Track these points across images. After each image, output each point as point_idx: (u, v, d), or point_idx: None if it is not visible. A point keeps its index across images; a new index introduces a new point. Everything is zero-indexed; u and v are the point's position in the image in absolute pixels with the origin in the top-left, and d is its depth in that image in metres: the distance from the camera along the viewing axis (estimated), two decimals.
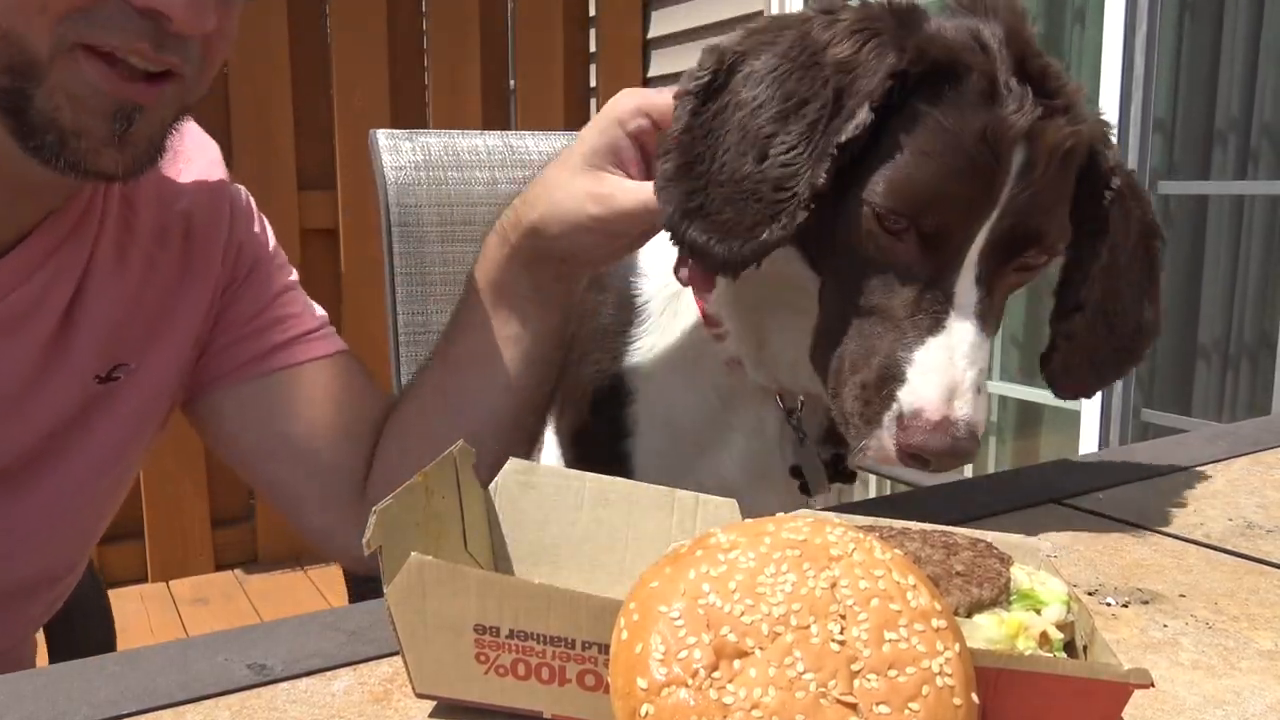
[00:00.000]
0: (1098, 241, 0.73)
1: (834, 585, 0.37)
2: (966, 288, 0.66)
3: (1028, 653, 0.42)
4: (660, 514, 0.54)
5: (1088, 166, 0.71)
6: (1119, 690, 0.40)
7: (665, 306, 0.86)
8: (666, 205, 0.68)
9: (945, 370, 0.64)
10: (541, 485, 0.56)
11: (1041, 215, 0.67)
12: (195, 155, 0.88)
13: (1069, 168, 0.69)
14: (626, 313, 0.87)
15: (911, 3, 0.69)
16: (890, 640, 0.36)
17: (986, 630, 0.43)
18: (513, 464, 0.56)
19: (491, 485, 0.56)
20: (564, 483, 0.55)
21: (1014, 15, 0.68)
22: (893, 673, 0.35)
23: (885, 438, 0.65)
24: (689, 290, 0.83)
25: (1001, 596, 0.45)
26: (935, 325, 0.65)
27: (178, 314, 0.85)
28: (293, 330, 0.88)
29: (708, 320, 0.82)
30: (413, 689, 0.46)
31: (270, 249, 0.92)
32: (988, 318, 0.67)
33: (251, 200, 0.93)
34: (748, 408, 0.86)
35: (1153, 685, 0.39)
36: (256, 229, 0.91)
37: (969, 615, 0.44)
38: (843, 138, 0.64)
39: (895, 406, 0.65)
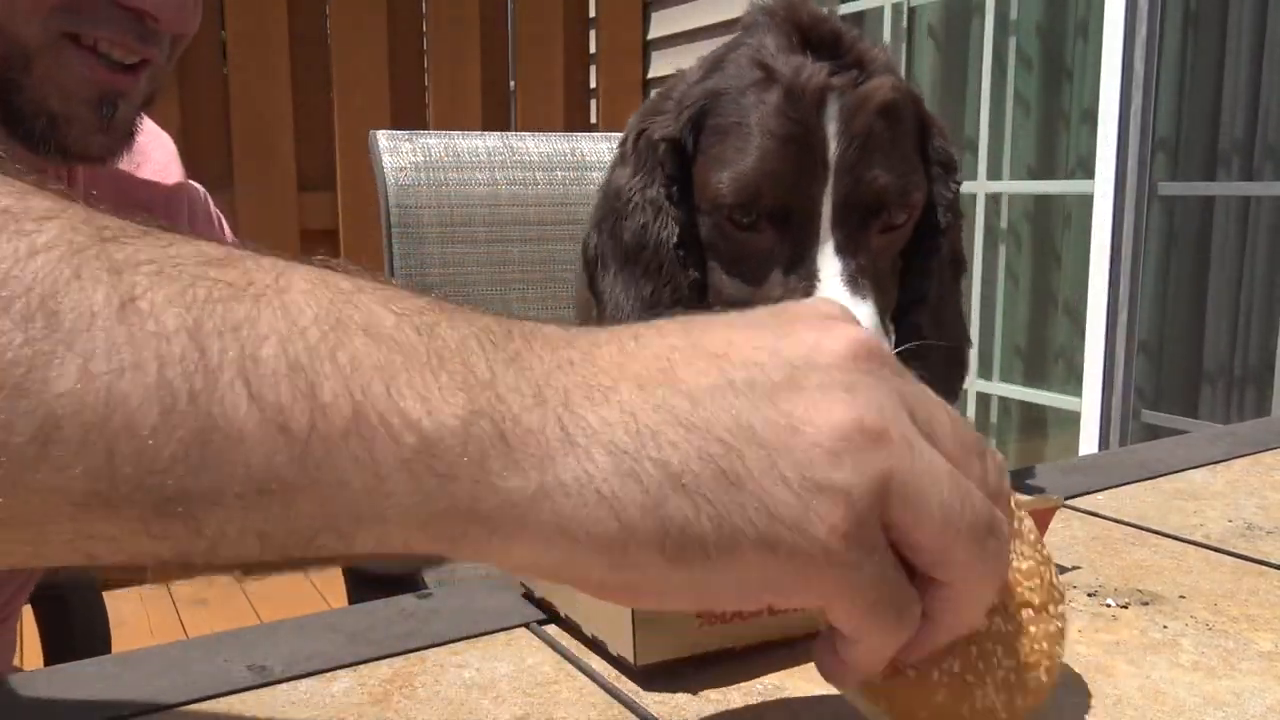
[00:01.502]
0: (941, 235, 0.76)
1: None
2: (828, 259, 0.68)
3: None
4: None
5: (925, 150, 0.74)
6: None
7: None
8: None
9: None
10: None
11: (880, 170, 0.68)
12: (152, 150, 0.89)
13: (894, 123, 0.70)
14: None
15: (670, 85, 0.77)
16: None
17: None
18: None
19: None
20: None
21: (788, 5, 0.72)
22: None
23: None
24: None
25: None
26: (806, 286, 0.67)
27: None
28: None
29: None
30: (633, 664, 0.47)
31: None
32: (859, 282, 0.68)
33: (210, 201, 0.93)
34: None
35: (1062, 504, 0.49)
36: (214, 231, 0.92)
37: None
38: (674, 239, 0.72)
39: None
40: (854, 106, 0.68)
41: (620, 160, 0.78)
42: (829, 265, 0.67)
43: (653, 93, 0.80)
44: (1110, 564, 0.66)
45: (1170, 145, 2.39)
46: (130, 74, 0.70)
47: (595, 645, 0.52)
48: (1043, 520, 0.62)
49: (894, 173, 0.69)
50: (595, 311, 0.79)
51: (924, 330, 0.76)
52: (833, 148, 0.67)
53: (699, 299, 0.73)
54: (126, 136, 0.74)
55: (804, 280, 0.68)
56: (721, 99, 0.72)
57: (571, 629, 0.54)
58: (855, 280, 0.68)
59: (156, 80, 0.74)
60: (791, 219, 0.68)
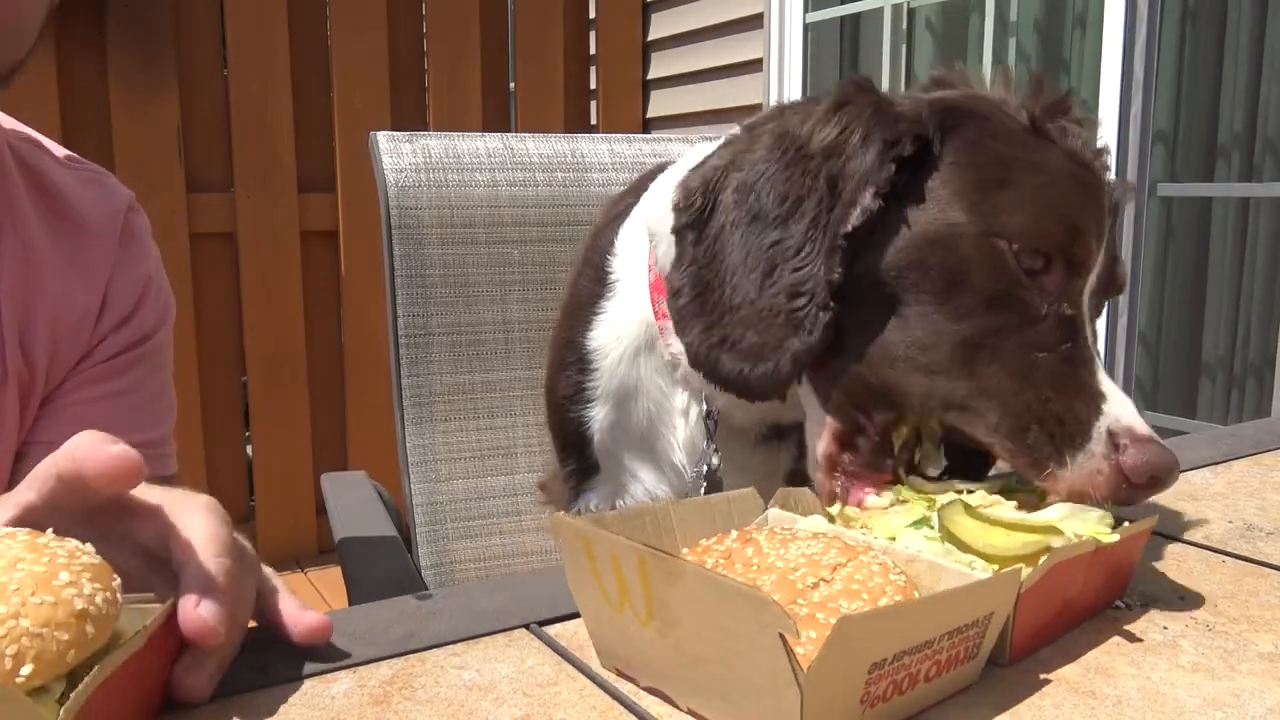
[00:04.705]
0: None
1: (835, 568, 0.50)
2: (1087, 318, 0.66)
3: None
4: (703, 518, 0.60)
5: None
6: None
7: (631, 284, 0.87)
8: (689, 343, 0.68)
9: (1121, 393, 0.64)
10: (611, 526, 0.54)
11: (1117, 257, 0.69)
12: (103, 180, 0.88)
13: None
14: (599, 286, 0.89)
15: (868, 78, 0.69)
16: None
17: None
18: (585, 516, 0.56)
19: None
20: (634, 518, 0.58)
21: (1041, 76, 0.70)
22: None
23: (1099, 458, 0.61)
24: (646, 276, 0.82)
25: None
26: (1090, 353, 0.64)
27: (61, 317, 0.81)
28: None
29: (658, 314, 0.81)
30: None
31: (155, 337, 0.88)
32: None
33: (166, 285, 0.91)
34: (690, 397, 0.87)
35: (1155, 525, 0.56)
36: (154, 306, 0.88)
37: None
38: (849, 227, 0.63)
39: (1101, 423, 0.62)
40: (1118, 190, 0.68)
41: (825, 116, 0.67)
42: (1088, 323, 0.66)
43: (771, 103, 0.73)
44: None
45: (1169, 143, 2.39)
46: None
47: None
48: (1137, 542, 0.61)
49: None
50: (681, 266, 0.69)
51: None
52: (1107, 221, 0.67)
53: (825, 305, 0.64)
54: None
55: (1079, 331, 0.64)
56: (980, 123, 0.66)
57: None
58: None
59: None
60: (1080, 270, 0.65)
